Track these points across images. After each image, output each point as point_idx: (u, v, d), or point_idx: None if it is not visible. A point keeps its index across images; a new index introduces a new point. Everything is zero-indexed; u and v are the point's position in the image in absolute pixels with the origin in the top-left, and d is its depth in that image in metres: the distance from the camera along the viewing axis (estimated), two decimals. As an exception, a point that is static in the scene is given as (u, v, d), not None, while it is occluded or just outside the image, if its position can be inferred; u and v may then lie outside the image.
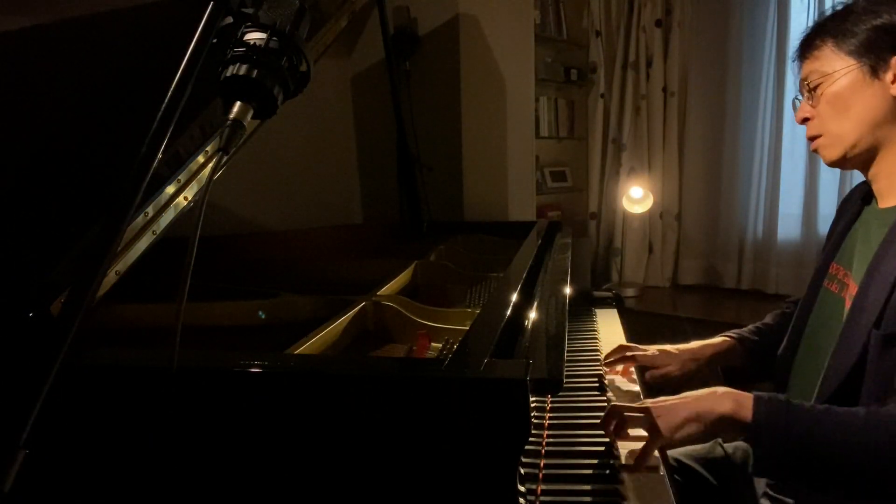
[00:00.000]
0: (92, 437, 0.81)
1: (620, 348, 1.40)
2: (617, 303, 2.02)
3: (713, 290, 3.80)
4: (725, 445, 1.36)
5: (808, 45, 1.13)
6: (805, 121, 1.14)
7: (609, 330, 1.76)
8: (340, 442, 0.76)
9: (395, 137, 2.26)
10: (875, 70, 1.06)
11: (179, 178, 0.99)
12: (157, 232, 0.95)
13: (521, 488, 0.72)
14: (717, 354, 1.39)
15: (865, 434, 0.88)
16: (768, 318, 1.42)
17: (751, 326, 1.40)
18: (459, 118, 2.64)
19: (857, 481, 0.89)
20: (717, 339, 1.39)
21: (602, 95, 3.95)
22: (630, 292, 3.76)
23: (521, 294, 1.15)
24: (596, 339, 1.67)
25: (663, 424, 0.96)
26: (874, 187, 1.14)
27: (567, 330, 1.26)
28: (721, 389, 0.98)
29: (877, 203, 1.14)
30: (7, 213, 1.04)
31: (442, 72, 2.64)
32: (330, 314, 1.16)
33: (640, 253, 3.95)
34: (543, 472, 0.97)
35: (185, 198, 1.00)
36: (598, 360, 1.48)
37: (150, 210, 0.94)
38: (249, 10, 0.71)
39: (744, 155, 3.67)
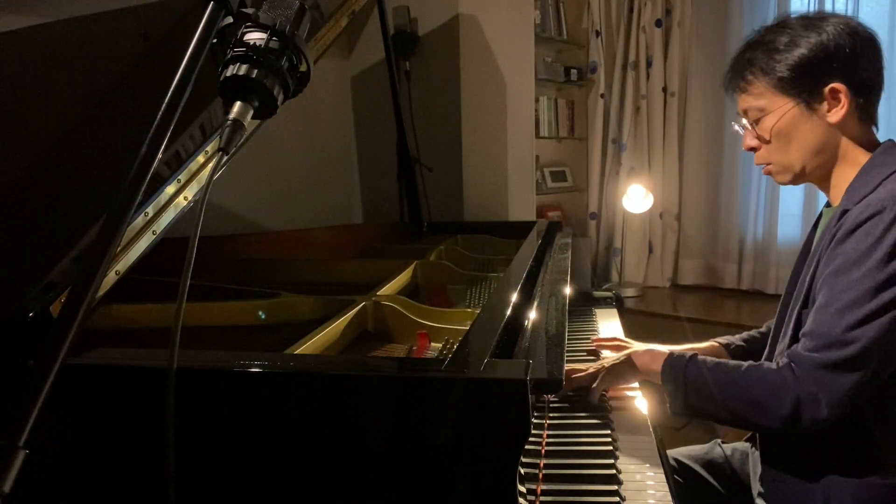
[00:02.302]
0: (92, 437, 0.81)
1: (614, 339, 1.51)
2: (617, 303, 2.03)
3: (713, 290, 3.80)
4: (724, 446, 1.37)
5: (740, 79, 1.16)
6: (752, 149, 1.20)
7: (609, 330, 1.77)
8: (340, 442, 0.76)
9: (395, 137, 2.26)
10: (810, 104, 1.11)
11: (179, 178, 0.98)
12: (157, 232, 0.95)
13: (521, 488, 0.72)
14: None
15: (742, 379, 1.08)
16: (763, 327, 1.44)
17: (744, 334, 1.46)
18: (459, 118, 2.64)
19: (736, 417, 1.09)
20: (705, 344, 1.45)
21: (602, 95, 3.95)
22: (630, 292, 3.76)
23: (521, 294, 1.15)
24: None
25: (607, 382, 1.24)
26: (827, 194, 1.21)
27: (567, 330, 1.26)
28: (644, 346, 1.28)
29: (828, 206, 1.22)
30: (7, 213, 1.04)
31: (442, 72, 2.64)
32: (330, 314, 1.16)
33: (640, 253, 3.95)
34: (543, 472, 0.97)
35: (185, 198, 1.00)
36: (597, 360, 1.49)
37: (150, 210, 0.94)
38: (249, 10, 0.71)
39: (744, 155, 3.66)
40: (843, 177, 1.14)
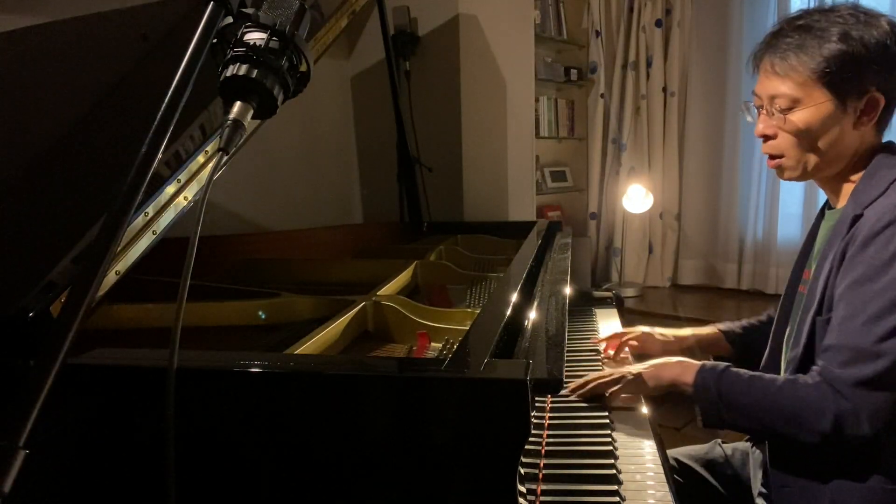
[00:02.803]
0: (92, 437, 0.81)
1: (615, 336, 1.54)
2: (617, 303, 2.02)
3: (713, 290, 3.80)
4: (724, 446, 1.37)
5: (780, 60, 1.07)
6: (766, 137, 1.13)
7: (609, 330, 1.76)
8: (341, 442, 0.76)
9: (395, 137, 2.26)
10: (845, 105, 1.05)
11: (179, 178, 0.98)
12: (157, 232, 0.95)
13: (521, 488, 0.72)
14: (701, 342, 1.50)
15: (778, 395, 1.05)
16: (763, 315, 1.47)
17: (744, 321, 1.48)
18: (459, 118, 2.64)
19: (773, 432, 1.08)
20: (705, 329, 1.49)
21: (602, 95, 3.95)
22: (630, 292, 3.76)
23: (521, 294, 1.15)
24: (597, 338, 1.66)
25: (630, 388, 1.19)
26: (829, 195, 1.19)
27: (567, 330, 1.26)
28: (674, 359, 1.19)
29: (829, 208, 1.21)
30: (7, 213, 1.04)
31: (442, 72, 2.64)
32: (330, 314, 1.16)
33: (640, 253, 3.95)
34: (543, 472, 0.97)
35: (185, 198, 1.00)
36: (598, 360, 1.49)
37: (150, 210, 0.94)
38: (249, 10, 0.71)
39: (744, 154, 3.67)
40: (845, 179, 1.13)
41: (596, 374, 1.22)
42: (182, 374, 0.60)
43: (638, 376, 1.18)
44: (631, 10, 3.85)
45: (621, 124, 3.92)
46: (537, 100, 3.66)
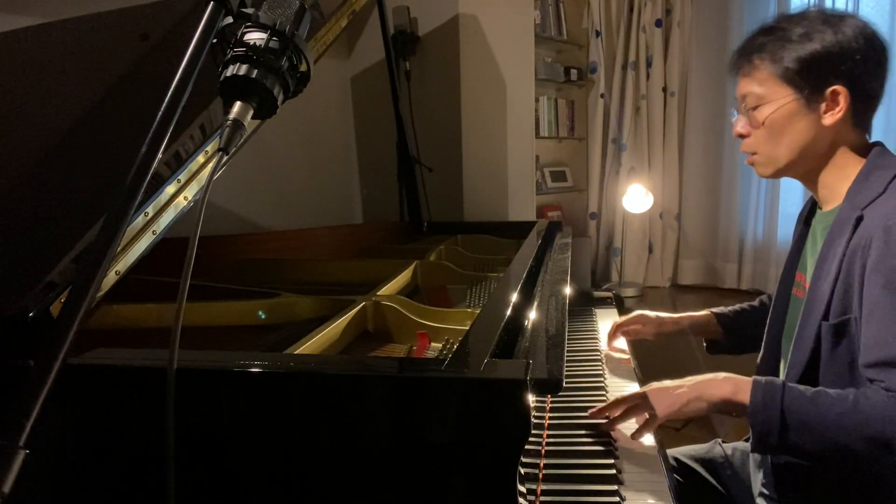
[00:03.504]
0: (92, 437, 0.81)
1: (614, 326, 1.57)
2: (617, 303, 2.03)
3: (713, 290, 3.80)
4: (724, 446, 1.37)
5: (747, 62, 1.13)
6: (741, 136, 1.18)
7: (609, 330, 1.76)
8: (341, 442, 0.76)
9: (395, 137, 2.27)
10: (810, 102, 1.08)
11: (179, 178, 0.98)
12: (157, 232, 0.95)
13: (521, 488, 0.72)
14: (693, 325, 1.52)
15: (854, 412, 0.94)
16: (756, 301, 1.50)
17: (736, 306, 1.50)
18: (459, 118, 2.64)
19: (846, 455, 0.96)
20: (699, 313, 1.51)
21: (602, 95, 3.95)
22: (630, 292, 3.76)
23: (521, 294, 1.15)
24: (596, 339, 1.67)
25: (661, 406, 1.07)
26: (817, 195, 1.20)
27: (567, 330, 1.26)
28: (721, 375, 1.07)
29: (819, 208, 1.20)
30: (8, 212, 1.04)
31: (442, 72, 2.65)
32: (330, 314, 1.16)
33: (640, 253, 3.95)
34: (543, 472, 0.97)
35: (185, 198, 1.00)
36: (598, 360, 1.49)
37: (150, 210, 0.94)
38: (249, 10, 0.71)
39: (744, 154, 3.67)
40: (833, 181, 1.13)
41: (626, 396, 1.12)
42: (182, 374, 0.60)
43: (680, 398, 1.06)
44: (631, 10, 3.85)
45: (621, 124, 3.92)
46: (537, 100, 3.66)
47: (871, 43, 1.08)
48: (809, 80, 1.08)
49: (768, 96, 1.11)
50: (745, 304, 1.50)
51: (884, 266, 0.98)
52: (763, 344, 1.28)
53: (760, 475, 1.22)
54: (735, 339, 1.49)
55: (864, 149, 1.13)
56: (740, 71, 1.15)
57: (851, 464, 1.00)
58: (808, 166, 1.14)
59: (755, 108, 1.12)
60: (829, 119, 1.09)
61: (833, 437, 0.95)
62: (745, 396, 1.01)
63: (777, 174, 1.18)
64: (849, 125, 1.11)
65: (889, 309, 0.97)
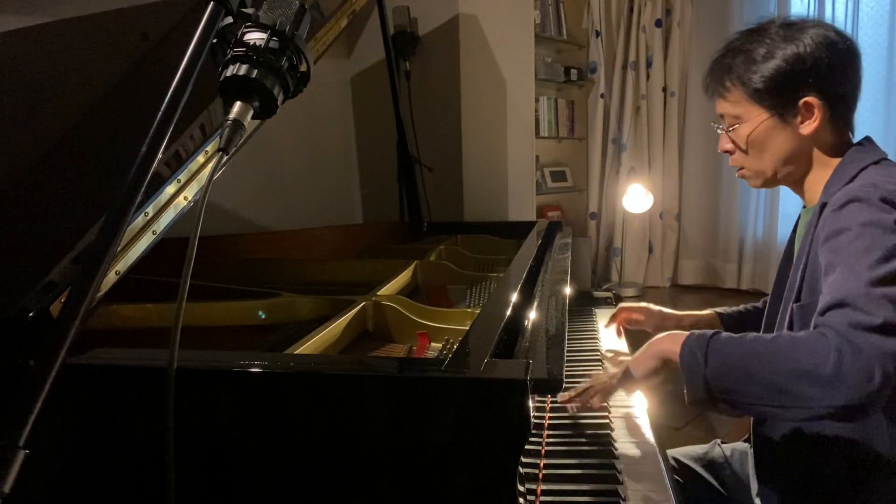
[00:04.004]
0: (92, 437, 0.81)
1: (619, 309, 1.54)
2: (617, 303, 2.02)
3: (713, 290, 3.80)
4: (724, 446, 1.37)
5: (718, 85, 1.17)
6: (727, 152, 1.21)
7: (609, 330, 1.76)
8: (340, 442, 0.76)
9: (395, 137, 2.27)
10: (784, 116, 1.11)
11: (179, 178, 0.98)
12: (157, 232, 0.95)
13: (521, 488, 0.72)
14: (696, 324, 1.50)
15: (776, 344, 0.94)
16: (760, 302, 1.49)
17: (740, 306, 1.50)
18: (459, 118, 2.64)
19: (770, 391, 0.93)
20: (702, 312, 1.51)
21: (602, 95, 3.95)
22: (630, 292, 3.76)
23: (521, 294, 1.15)
24: (596, 339, 1.67)
25: (632, 370, 1.08)
26: (802, 197, 1.23)
27: (567, 330, 1.26)
28: (667, 333, 1.08)
29: (805, 208, 1.25)
30: (8, 212, 1.04)
31: (442, 72, 2.65)
32: (330, 314, 1.16)
33: (640, 253, 3.95)
34: (543, 472, 0.97)
35: (185, 198, 1.00)
36: (598, 360, 1.49)
37: (150, 210, 0.94)
38: (249, 10, 0.71)
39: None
40: (817, 180, 1.16)
41: (584, 385, 1.16)
42: (182, 374, 0.60)
43: (626, 370, 1.10)
44: (631, 10, 3.85)
45: (621, 124, 3.92)
46: (537, 100, 3.66)
47: (834, 48, 1.09)
48: (780, 96, 1.10)
49: (744, 116, 1.14)
50: (748, 305, 1.50)
51: (828, 232, 1.01)
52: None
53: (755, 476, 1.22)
54: None
55: (846, 146, 1.15)
56: (715, 93, 1.18)
57: (776, 402, 0.93)
58: (795, 174, 1.18)
59: (733, 127, 1.16)
60: (806, 129, 1.11)
61: (755, 372, 0.93)
62: (677, 346, 1.01)
63: (767, 184, 1.22)
64: (828, 129, 1.13)
65: (835, 267, 0.97)
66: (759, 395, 0.94)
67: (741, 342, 0.97)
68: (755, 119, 1.13)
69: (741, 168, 1.21)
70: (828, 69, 1.08)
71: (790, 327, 1.10)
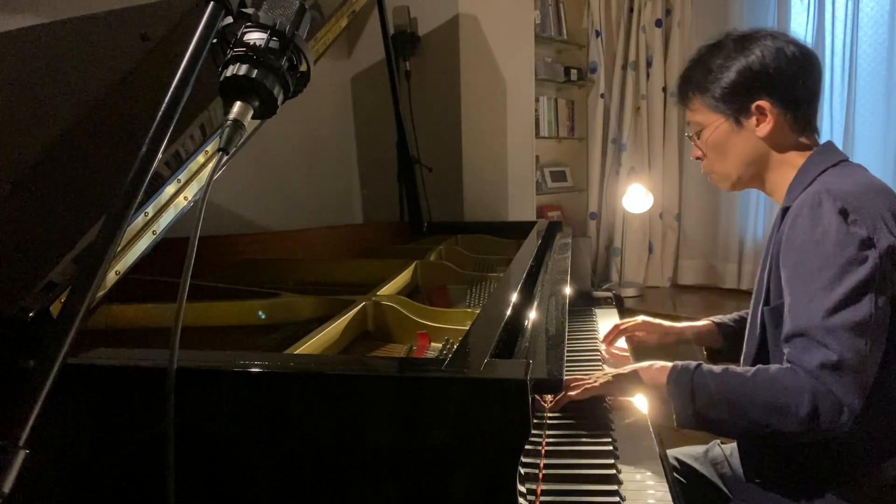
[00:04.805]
0: (92, 437, 0.81)
1: (615, 327, 1.60)
2: (617, 303, 2.03)
3: (713, 290, 3.80)
4: (723, 446, 1.37)
5: (682, 97, 1.27)
6: (698, 158, 1.30)
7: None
8: (340, 442, 0.76)
9: (395, 137, 2.26)
10: (738, 120, 1.20)
11: (179, 178, 0.98)
12: (157, 232, 0.95)
13: (521, 488, 0.72)
14: (696, 335, 1.56)
15: (752, 383, 1.04)
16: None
17: (735, 314, 1.54)
18: (459, 118, 2.64)
19: (751, 423, 1.04)
20: (701, 322, 1.55)
21: (602, 95, 3.95)
22: (630, 292, 3.76)
23: (521, 294, 1.15)
24: (596, 339, 1.67)
25: (607, 388, 1.18)
26: (772, 197, 1.28)
27: (567, 330, 1.26)
28: (658, 363, 1.17)
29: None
30: (8, 212, 1.04)
31: (442, 72, 2.64)
32: (330, 314, 1.16)
33: (640, 253, 3.95)
34: (543, 472, 0.97)
35: (185, 198, 1.00)
36: (598, 360, 1.49)
37: (150, 210, 0.94)
38: (249, 10, 0.70)
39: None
40: (779, 180, 1.22)
41: (575, 378, 1.20)
42: (182, 374, 0.60)
43: (617, 378, 1.18)
44: (631, 10, 3.85)
45: (621, 124, 3.92)
46: (537, 100, 3.66)
47: (782, 57, 1.17)
48: (734, 102, 1.19)
49: (704, 122, 1.23)
50: (743, 312, 1.51)
51: (787, 247, 1.09)
52: (745, 342, 1.30)
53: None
54: (736, 346, 1.47)
55: (809, 148, 1.21)
56: (682, 103, 1.29)
57: (757, 431, 1.05)
58: (758, 176, 1.25)
59: (698, 134, 1.25)
60: (762, 131, 1.19)
61: (736, 407, 1.05)
62: (662, 379, 1.12)
63: (735, 186, 1.29)
64: (786, 130, 1.20)
65: (793, 287, 1.06)
66: (742, 426, 1.07)
67: (724, 380, 1.07)
68: (713, 124, 1.22)
69: (711, 172, 1.29)
70: (776, 75, 1.16)
71: (762, 329, 1.17)
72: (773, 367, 1.07)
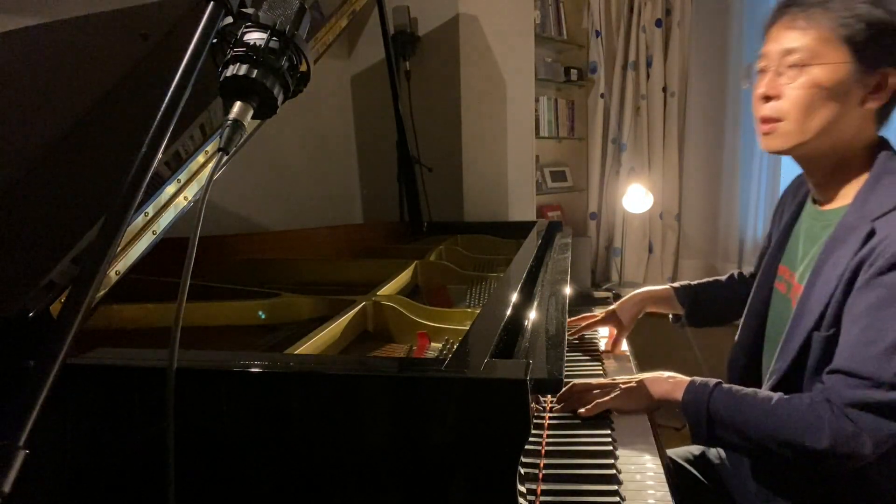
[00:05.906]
0: (92, 437, 0.81)
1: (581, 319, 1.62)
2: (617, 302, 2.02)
3: (713, 290, 3.79)
4: (721, 448, 1.37)
5: (803, 14, 1.01)
6: (767, 98, 1.05)
7: (608, 331, 1.76)
8: (340, 442, 0.76)
9: (395, 137, 2.26)
10: (861, 73, 0.99)
11: (179, 178, 0.98)
12: (157, 232, 0.95)
13: (521, 488, 0.72)
14: (654, 300, 1.58)
15: (772, 416, 1.00)
16: (723, 277, 1.54)
17: (702, 280, 1.55)
18: (459, 118, 2.64)
19: (766, 452, 1.01)
20: (658, 287, 1.57)
21: (602, 95, 3.95)
22: (630, 292, 3.75)
23: (521, 294, 1.15)
24: (596, 339, 1.67)
25: (618, 402, 1.15)
26: (818, 189, 1.13)
27: (567, 330, 1.26)
28: (666, 374, 1.14)
29: (815, 203, 1.16)
30: (8, 212, 1.04)
31: (442, 72, 2.64)
32: (330, 314, 1.16)
33: (640, 253, 3.95)
34: (543, 472, 0.97)
35: (185, 198, 1.00)
36: (598, 360, 1.49)
37: (150, 210, 0.94)
38: (249, 10, 0.71)
39: (744, 155, 3.67)
40: (837, 173, 1.08)
41: (582, 384, 1.19)
42: (182, 374, 0.60)
43: (625, 391, 1.15)
44: (631, 10, 3.84)
45: (621, 124, 3.92)
46: (537, 100, 3.66)
47: None
48: (868, 51, 0.97)
49: (823, 55, 0.99)
50: (711, 279, 1.54)
51: (875, 283, 0.95)
52: (740, 329, 1.28)
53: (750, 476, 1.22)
54: (696, 313, 1.53)
55: (873, 146, 1.06)
56: (792, 23, 1.02)
57: (777, 461, 1.03)
58: (823, 152, 1.05)
59: (803, 66, 1.00)
60: (871, 104, 1.00)
61: (753, 436, 1.01)
62: (678, 395, 1.09)
63: (792, 150, 1.06)
64: (873, 118, 1.04)
65: (869, 326, 0.94)
66: (758, 452, 1.05)
67: (742, 403, 1.03)
68: (835, 63, 0.98)
69: (776, 120, 1.04)
70: None
71: (803, 352, 1.04)
72: (796, 399, 1.00)
